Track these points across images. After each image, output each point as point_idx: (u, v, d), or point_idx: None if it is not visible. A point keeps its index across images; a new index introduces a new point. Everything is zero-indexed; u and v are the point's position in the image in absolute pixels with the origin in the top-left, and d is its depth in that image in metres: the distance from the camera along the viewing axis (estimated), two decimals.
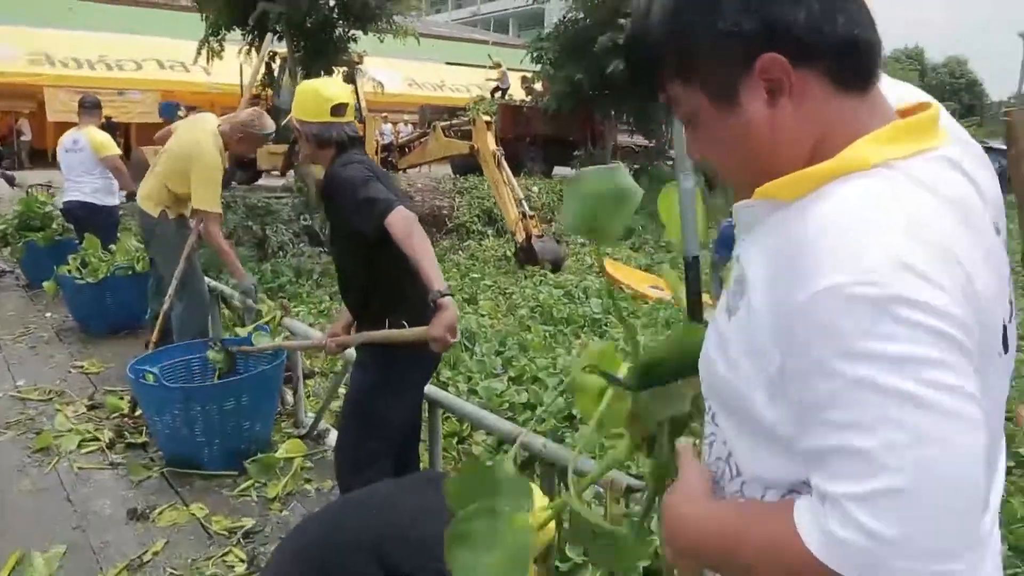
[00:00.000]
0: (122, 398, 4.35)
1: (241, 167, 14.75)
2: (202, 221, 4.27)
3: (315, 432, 3.96)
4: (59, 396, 4.47)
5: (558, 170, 18.86)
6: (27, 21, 20.14)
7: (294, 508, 3.26)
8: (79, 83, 19.03)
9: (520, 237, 11.99)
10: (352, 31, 12.95)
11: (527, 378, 6.47)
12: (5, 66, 18.63)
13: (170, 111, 13.91)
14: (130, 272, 5.60)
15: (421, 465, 3.02)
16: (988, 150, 0.98)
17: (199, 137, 4.23)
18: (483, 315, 8.65)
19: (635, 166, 19.40)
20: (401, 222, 2.43)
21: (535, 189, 16.14)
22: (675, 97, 0.90)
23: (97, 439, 3.89)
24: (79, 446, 3.81)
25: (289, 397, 4.23)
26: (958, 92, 42.93)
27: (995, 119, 39.70)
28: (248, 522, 3.10)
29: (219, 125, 4.36)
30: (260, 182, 15.47)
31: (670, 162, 20.10)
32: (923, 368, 0.67)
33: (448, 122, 14.89)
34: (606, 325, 8.51)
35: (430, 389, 2.86)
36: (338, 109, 2.67)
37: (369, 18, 12.57)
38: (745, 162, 0.88)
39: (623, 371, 1.23)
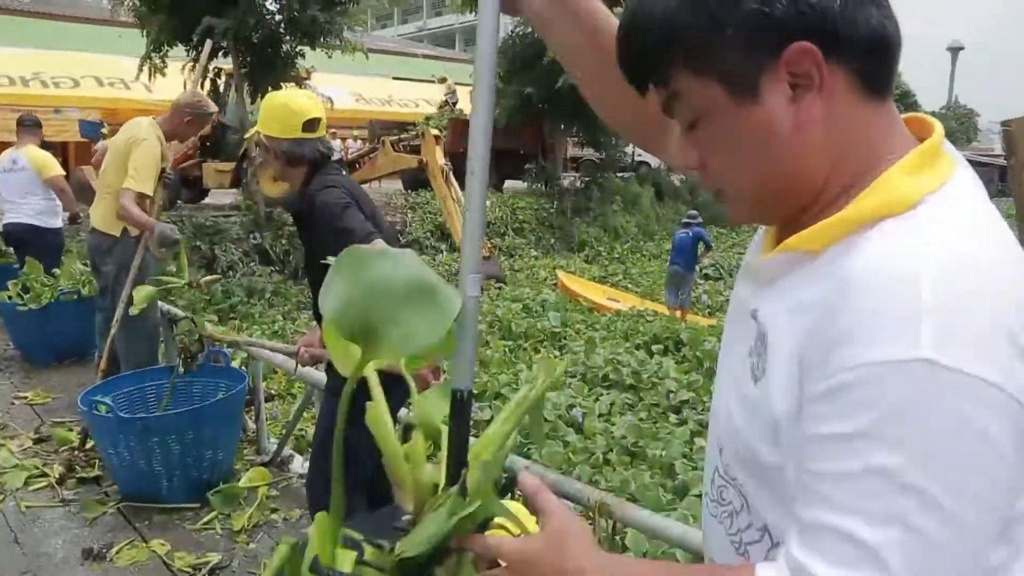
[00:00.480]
0: (71, 430, 4.15)
1: (187, 186, 14.42)
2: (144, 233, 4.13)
3: (279, 459, 3.82)
4: (2, 430, 4.24)
5: (509, 184, 18.87)
6: None
7: (261, 540, 3.13)
8: (13, 101, 18.37)
9: None
10: (299, 46, 12.76)
11: (488, 395, 6.41)
12: None
13: (92, 129, 13.47)
14: (75, 297, 5.37)
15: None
16: None
17: (137, 129, 4.15)
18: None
19: (586, 178, 19.56)
20: None
21: (487, 203, 16.11)
22: (682, 91, 0.79)
23: (46, 475, 3.69)
24: (26, 483, 3.61)
25: (251, 423, 4.08)
26: (893, 102, 44.30)
27: None
28: (214, 557, 2.96)
29: (155, 119, 4.27)
30: (207, 200, 15.12)
31: (621, 174, 20.32)
32: (963, 475, 0.61)
33: (397, 136, 14.76)
34: (565, 339, 8.48)
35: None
36: (311, 124, 2.54)
37: (317, 33, 12.40)
38: (758, 166, 0.77)
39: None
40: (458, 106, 21.11)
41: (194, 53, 13.17)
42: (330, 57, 13.45)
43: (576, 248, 16.62)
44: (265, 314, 9.79)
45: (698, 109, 0.79)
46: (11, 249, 6.39)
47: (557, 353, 7.96)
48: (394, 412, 2.71)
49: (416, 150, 13.55)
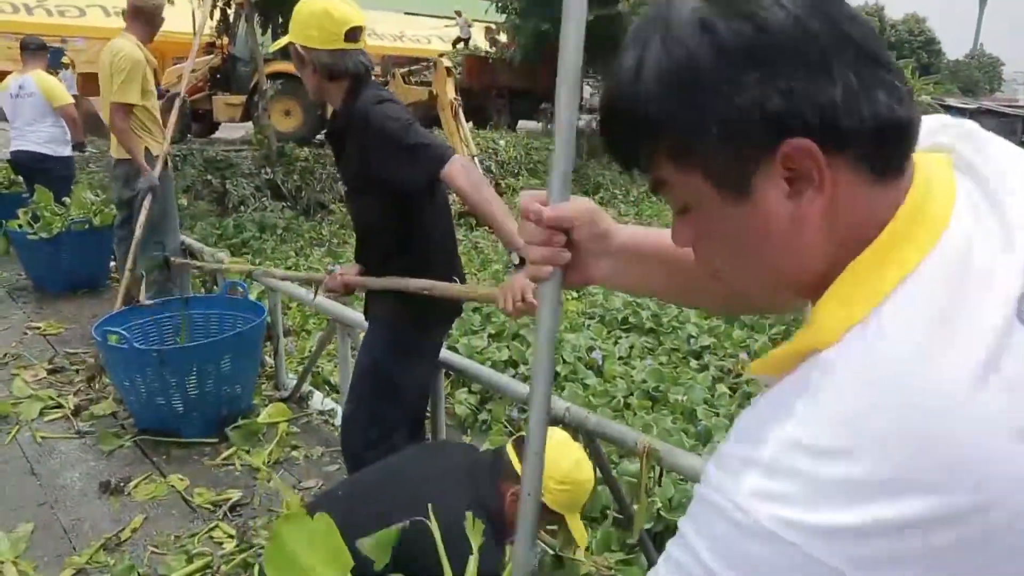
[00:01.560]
0: (84, 362, 4.06)
1: (196, 119, 14.17)
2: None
3: (298, 395, 3.72)
4: (15, 360, 4.15)
5: (523, 123, 18.50)
6: None
7: (282, 477, 3.04)
8: (16, 29, 18.01)
9: None
10: None
11: (507, 334, 6.29)
12: None
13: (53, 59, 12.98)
14: (87, 227, 5.22)
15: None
16: (946, 108, 0.79)
17: (111, 46, 4.14)
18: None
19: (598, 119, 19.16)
20: (463, 173, 2.10)
21: (501, 143, 15.81)
22: (667, 180, 0.70)
23: (60, 406, 3.61)
24: (41, 414, 3.52)
25: (268, 358, 3.98)
26: (916, 50, 43.22)
27: (954, 76, 40.25)
28: (234, 494, 2.87)
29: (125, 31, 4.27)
30: (217, 135, 14.88)
31: None
32: None
33: (407, 69, 14.41)
34: None
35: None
36: (353, 33, 2.26)
37: None
38: (754, 261, 0.70)
39: None
40: (471, 42, 20.62)
41: None
42: None
43: (591, 190, 16.36)
44: (277, 249, 9.67)
45: (683, 202, 0.72)
46: (18, 178, 6.24)
47: (575, 295, 7.83)
48: (442, 339, 2.60)
49: (428, 85, 13.24)
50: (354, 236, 2.56)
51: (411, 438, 2.49)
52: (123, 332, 3.19)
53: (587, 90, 21.77)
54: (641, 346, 6.27)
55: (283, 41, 2.39)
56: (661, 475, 2.62)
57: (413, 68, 14.59)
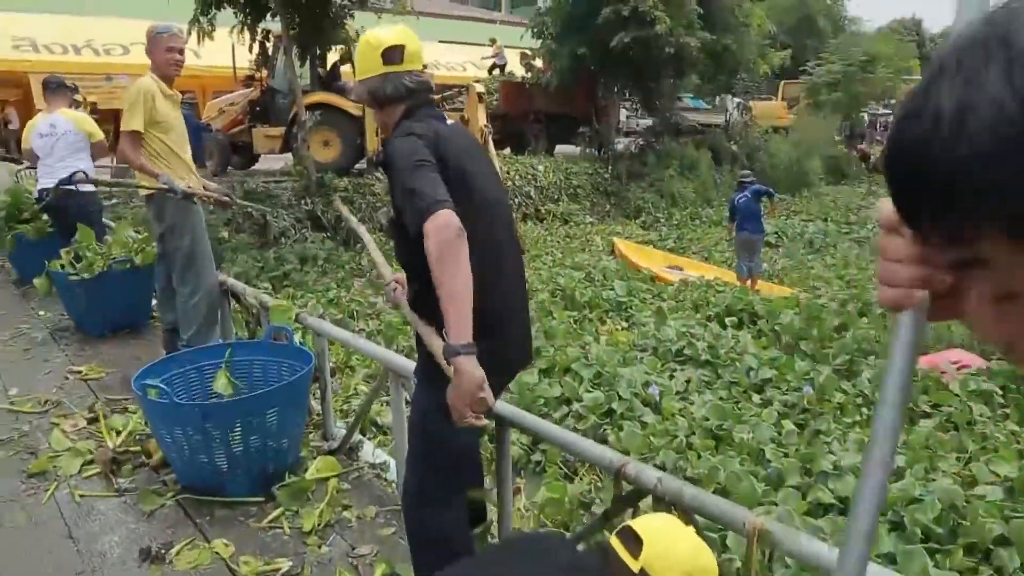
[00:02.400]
0: (126, 409, 3.90)
1: (236, 151, 14.24)
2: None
3: (347, 446, 3.50)
4: (56, 407, 4.01)
5: (560, 148, 18.32)
6: (8, 6, 19.48)
7: (334, 543, 2.81)
8: (66, 69, 18.37)
9: None
10: (348, 6, 12.35)
11: (558, 370, 6.04)
12: None
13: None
14: (128, 266, 5.09)
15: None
16: None
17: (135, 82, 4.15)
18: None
19: (641, 143, 18.93)
20: (435, 235, 1.83)
21: (540, 168, 15.64)
22: (995, 261, 0.52)
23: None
24: (80, 470, 3.36)
25: (315, 405, 3.77)
26: None
27: None
28: (283, 564, 2.65)
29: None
30: (256, 166, 14.94)
31: (685, 136, 19.56)
32: None
33: (441, 96, 14.34)
34: (631, 308, 8.06)
35: (499, 405, 2.39)
36: (390, 54, 2.11)
37: None
38: None
39: None
40: (507, 68, 20.57)
41: (242, 16, 12.90)
42: (379, 18, 13.03)
43: (632, 214, 16.09)
44: (319, 281, 9.57)
45: (1011, 283, 0.53)
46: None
47: (624, 325, 7.55)
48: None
49: (460, 111, 13.16)
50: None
51: (471, 505, 2.25)
52: (163, 386, 3.01)
53: (623, 112, 21.57)
54: (698, 380, 5.97)
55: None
56: (771, 558, 2.34)
57: (446, 94, 14.52)
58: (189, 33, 13.22)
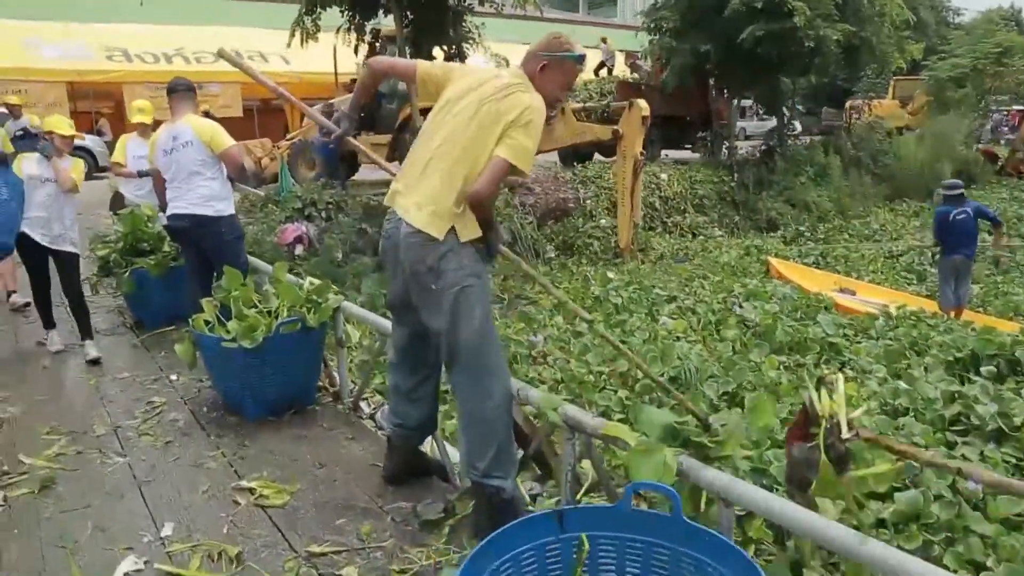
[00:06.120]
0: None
1: (342, 159, 13.25)
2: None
3: None
4: (237, 564, 2.49)
5: (671, 153, 16.86)
6: (100, 17, 19.15)
7: None
8: (157, 78, 17.90)
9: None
10: (468, 2, 11.22)
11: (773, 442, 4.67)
12: (84, 64, 17.66)
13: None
14: (299, 327, 3.66)
15: None
16: None
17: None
18: (684, 338, 6.79)
19: (762, 146, 17.38)
20: None
21: (663, 176, 14.24)
22: None
23: None
24: None
25: None
26: None
27: None
28: None
29: None
30: (358, 176, 13.95)
31: (811, 136, 17.93)
32: None
33: (582, 103, 13.14)
34: (846, 351, 6.61)
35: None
36: None
37: None
38: None
39: None
40: (615, 71, 19.26)
41: (349, 15, 11.93)
42: (500, 11, 11.88)
43: (764, 227, 14.56)
44: None
45: None
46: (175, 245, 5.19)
47: (850, 374, 6.11)
48: None
49: (604, 120, 11.93)
50: None
51: None
52: None
53: (748, 126, 19.98)
54: (1000, 460, 4.53)
55: None
56: None
57: (588, 104, 13.34)
58: (292, 35, 12.32)
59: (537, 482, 3.10)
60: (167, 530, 2.68)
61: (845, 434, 2.01)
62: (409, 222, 2.51)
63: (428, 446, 3.26)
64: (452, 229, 2.46)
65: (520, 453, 2.83)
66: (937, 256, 8.56)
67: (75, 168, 5.01)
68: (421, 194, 2.51)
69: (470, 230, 2.50)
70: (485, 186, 2.41)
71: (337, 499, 2.92)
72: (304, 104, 3.71)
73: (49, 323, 5.08)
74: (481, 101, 2.48)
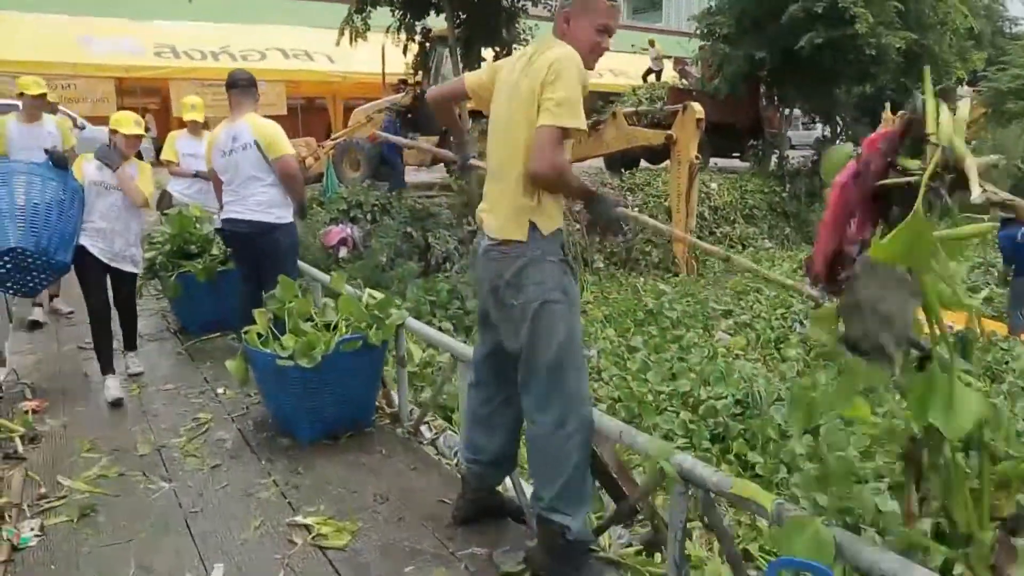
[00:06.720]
0: None
1: (384, 161, 13.04)
2: None
3: None
4: None
5: (720, 162, 16.41)
6: (151, 14, 19.22)
7: None
8: (203, 75, 17.88)
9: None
10: (522, 3, 10.92)
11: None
12: (133, 60, 17.71)
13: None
14: (360, 345, 3.36)
15: None
16: None
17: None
18: (743, 356, 6.42)
19: (814, 156, 16.83)
20: None
21: (713, 186, 13.82)
22: None
23: None
24: None
25: None
26: None
27: None
28: None
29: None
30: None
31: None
32: None
33: (633, 108, 12.79)
34: None
35: None
36: None
37: None
38: None
39: None
40: (663, 77, 18.82)
41: (400, 14, 11.72)
42: (553, 13, 11.58)
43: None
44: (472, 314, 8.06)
45: None
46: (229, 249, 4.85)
47: None
48: None
49: (656, 125, 11.57)
50: None
51: None
52: None
53: (793, 135, 19.40)
54: None
55: None
56: None
57: (640, 109, 13.00)
58: (341, 34, 12.14)
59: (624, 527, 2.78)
60: (217, 573, 2.41)
61: (974, 183, 1.33)
62: (488, 234, 2.38)
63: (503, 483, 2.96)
64: (533, 225, 2.28)
65: (612, 506, 2.51)
66: (1009, 277, 8.09)
67: (143, 176, 4.38)
68: (492, 201, 2.40)
69: (553, 220, 2.32)
70: (538, 160, 2.20)
71: (403, 541, 2.63)
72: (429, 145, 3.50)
73: (108, 367, 4.19)
74: (512, 87, 2.34)
